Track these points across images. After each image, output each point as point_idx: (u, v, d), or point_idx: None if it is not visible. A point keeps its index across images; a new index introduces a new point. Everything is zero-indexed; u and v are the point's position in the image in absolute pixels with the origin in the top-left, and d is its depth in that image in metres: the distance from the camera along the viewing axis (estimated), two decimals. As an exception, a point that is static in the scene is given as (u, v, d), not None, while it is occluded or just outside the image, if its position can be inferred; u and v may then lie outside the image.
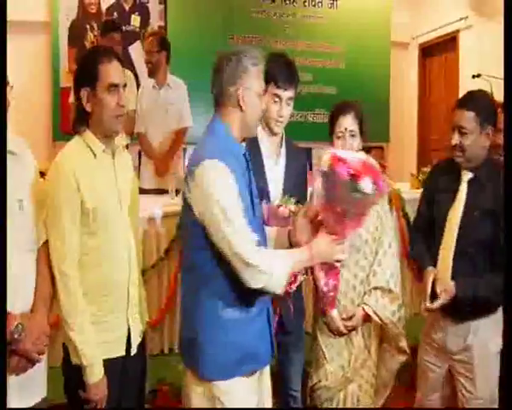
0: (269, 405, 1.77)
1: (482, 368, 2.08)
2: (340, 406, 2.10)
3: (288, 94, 2.02)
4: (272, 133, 2.10)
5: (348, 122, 2.08)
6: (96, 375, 1.60)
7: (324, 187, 1.63)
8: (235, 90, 1.59)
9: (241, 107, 1.60)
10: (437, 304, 2.02)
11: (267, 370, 1.76)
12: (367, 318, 2.06)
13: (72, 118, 1.76)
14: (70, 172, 1.59)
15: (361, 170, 1.56)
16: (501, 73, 4.15)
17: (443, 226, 2.09)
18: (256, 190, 1.72)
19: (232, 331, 1.60)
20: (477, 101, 2.06)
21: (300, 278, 1.93)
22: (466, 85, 5.17)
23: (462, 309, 2.07)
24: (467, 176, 2.08)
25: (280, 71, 2.01)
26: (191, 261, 1.63)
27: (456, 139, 2.04)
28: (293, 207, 1.95)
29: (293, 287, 1.90)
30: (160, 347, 2.95)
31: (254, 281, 1.52)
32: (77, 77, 1.69)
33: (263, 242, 1.66)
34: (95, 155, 1.67)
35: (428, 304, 2.04)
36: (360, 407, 2.11)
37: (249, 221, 1.55)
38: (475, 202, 2.03)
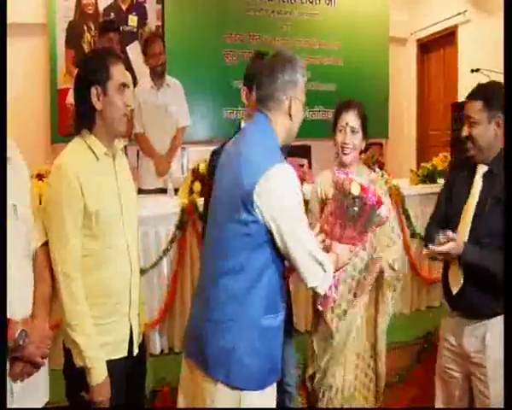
0: None
1: (497, 370, 2.02)
2: (339, 395, 2.17)
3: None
4: None
5: (350, 118, 2.16)
6: (99, 376, 1.60)
7: (350, 209, 1.85)
8: (286, 98, 1.63)
9: (290, 115, 1.64)
10: (440, 248, 1.97)
11: None
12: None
13: (74, 118, 1.76)
14: (73, 174, 1.59)
15: (380, 199, 1.88)
16: (500, 67, 4.14)
17: (458, 220, 2.09)
18: None
19: (269, 340, 1.62)
20: (484, 90, 2.06)
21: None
22: (465, 80, 5.17)
23: (475, 308, 2.04)
24: (482, 169, 2.07)
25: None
26: (238, 263, 1.57)
27: (465, 131, 2.05)
28: None
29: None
30: (160, 347, 2.95)
31: (315, 279, 1.62)
32: (85, 76, 1.69)
33: None
34: (97, 158, 1.67)
35: (432, 246, 1.99)
36: (356, 395, 2.18)
37: None
38: (490, 194, 2.03)
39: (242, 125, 2.14)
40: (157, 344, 2.92)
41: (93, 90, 1.65)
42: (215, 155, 2.08)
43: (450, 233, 1.99)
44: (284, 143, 1.70)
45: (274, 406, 1.69)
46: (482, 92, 2.04)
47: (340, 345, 2.18)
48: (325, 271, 1.62)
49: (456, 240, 1.97)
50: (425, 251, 2.05)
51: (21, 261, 1.53)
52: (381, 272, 2.16)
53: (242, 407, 1.58)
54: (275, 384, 1.68)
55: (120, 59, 1.72)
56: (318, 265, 1.61)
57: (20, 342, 1.42)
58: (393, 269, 2.16)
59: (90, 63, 1.72)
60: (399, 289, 2.22)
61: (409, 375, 2.94)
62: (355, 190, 1.85)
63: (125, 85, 1.69)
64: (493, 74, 3.89)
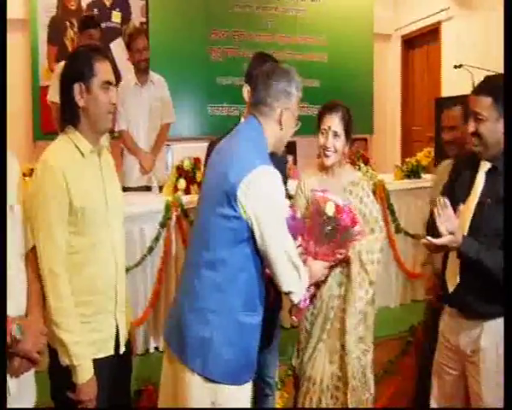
0: None
1: (490, 372, 2.02)
2: (317, 386, 2.21)
3: None
4: None
5: (333, 122, 2.16)
6: (85, 375, 1.59)
7: (324, 228, 1.97)
8: (277, 106, 1.68)
9: (281, 124, 1.69)
10: (439, 241, 1.93)
11: None
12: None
13: (56, 116, 1.74)
14: (59, 171, 1.58)
15: (355, 219, 1.99)
16: (482, 62, 4.19)
17: (458, 217, 2.01)
18: None
19: (246, 336, 1.65)
20: (494, 85, 1.98)
21: None
22: (448, 76, 5.22)
23: (472, 307, 2.01)
24: (485, 166, 2.02)
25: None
26: (219, 256, 1.60)
27: (472, 126, 1.97)
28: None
29: None
30: (145, 346, 2.93)
31: (290, 284, 1.65)
32: (68, 72, 1.69)
33: None
34: (83, 155, 1.66)
35: (430, 238, 1.94)
36: (341, 386, 2.20)
37: None
38: (492, 192, 1.98)
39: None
40: (142, 343, 2.91)
41: (76, 87, 1.64)
42: (212, 146, 2.10)
43: (450, 227, 1.93)
44: (273, 150, 1.74)
45: (248, 404, 1.71)
46: (492, 88, 1.96)
47: (316, 338, 2.22)
48: (300, 277, 1.66)
49: (456, 233, 1.93)
50: (423, 241, 2.02)
51: (15, 259, 1.52)
52: (348, 261, 2.17)
53: (218, 400, 1.59)
54: (250, 384, 1.70)
55: (106, 57, 1.71)
56: (295, 270, 1.64)
57: (17, 336, 1.43)
58: (361, 260, 2.17)
59: (74, 60, 1.71)
60: (368, 286, 2.20)
61: (394, 368, 2.96)
62: (329, 211, 1.96)
63: (109, 83, 1.68)
64: (476, 71, 3.93)
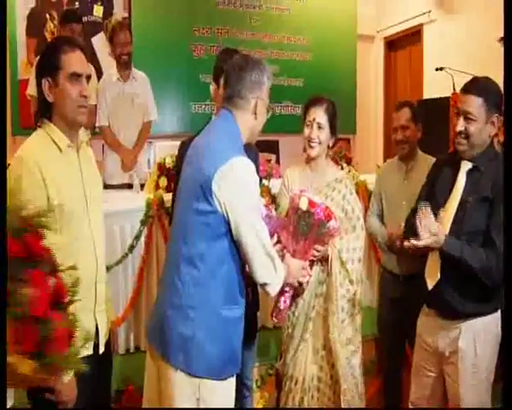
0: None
1: (469, 373, 2.04)
2: (299, 386, 2.21)
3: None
4: None
5: (318, 113, 2.21)
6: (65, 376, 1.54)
7: (299, 223, 2.00)
8: (252, 97, 1.69)
9: (255, 114, 1.71)
10: (421, 243, 1.94)
11: None
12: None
13: (34, 110, 1.70)
14: (35, 166, 1.54)
15: (330, 213, 2.02)
16: (463, 65, 4.23)
17: (439, 217, 2.02)
18: None
19: (228, 330, 1.65)
20: (484, 87, 1.99)
21: None
22: (430, 78, 5.27)
23: (451, 306, 2.03)
24: (467, 166, 2.03)
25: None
26: (198, 252, 1.60)
27: (461, 125, 1.98)
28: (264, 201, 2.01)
29: None
30: (126, 346, 2.89)
31: (265, 275, 1.65)
32: (38, 66, 1.65)
33: None
34: (60, 150, 1.62)
35: (413, 241, 1.96)
36: (321, 387, 2.21)
37: None
38: (473, 191, 1.99)
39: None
40: (123, 343, 2.87)
41: (44, 82, 1.60)
42: (183, 145, 2.10)
43: (432, 228, 1.95)
44: (248, 141, 1.75)
45: (232, 398, 1.70)
46: (482, 88, 1.98)
47: (297, 338, 2.22)
48: (276, 269, 1.66)
49: (438, 234, 1.94)
50: (406, 244, 2.02)
51: None
52: (326, 259, 2.18)
53: (202, 396, 1.59)
54: (234, 378, 1.70)
55: (77, 46, 1.64)
56: (270, 261, 1.65)
57: None
58: (341, 259, 2.18)
59: (44, 53, 1.67)
60: (348, 284, 2.20)
61: (375, 368, 2.97)
62: (303, 205, 1.99)
63: (78, 75, 1.61)
64: (457, 74, 3.97)
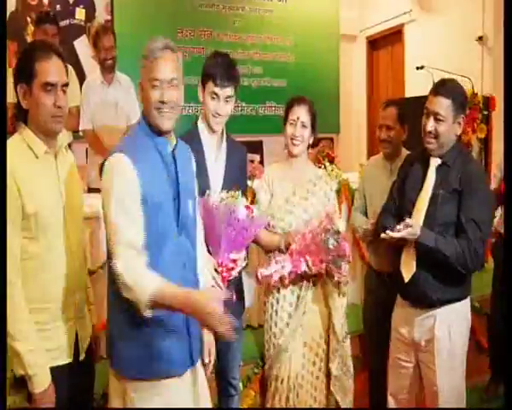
0: (205, 400, 1.76)
1: (444, 359, 2.12)
2: (285, 384, 2.25)
3: (226, 92, 2.06)
4: (212, 130, 2.12)
5: (302, 113, 2.27)
6: (42, 384, 1.54)
7: (324, 235, 2.10)
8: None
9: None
10: (398, 234, 2.02)
11: (199, 370, 1.74)
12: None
13: (10, 115, 1.68)
14: (10, 175, 1.50)
15: (349, 258, 2.19)
16: (442, 64, 4.30)
17: (411, 210, 2.15)
18: (194, 186, 1.76)
19: (144, 330, 1.55)
20: (452, 89, 2.10)
21: (241, 264, 2.01)
22: (411, 77, 5.34)
23: (427, 295, 2.11)
24: (436, 162, 2.14)
25: (218, 69, 2.05)
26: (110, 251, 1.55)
27: (431, 126, 2.08)
28: (246, 202, 2.01)
29: (234, 273, 2.00)
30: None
31: (121, 286, 1.47)
32: (14, 72, 1.61)
33: (192, 238, 1.69)
34: (36, 157, 1.59)
35: (389, 232, 2.04)
36: (304, 384, 2.26)
37: (167, 216, 1.58)
38: (443, 185, 2.10)
39: (199, 122, 2.15)
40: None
41: (19, 89, 1.58)
42: None
43: (407, 221, 2.05)
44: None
45: (183, 398, 1.64)
46: (451, 91, 2.09)
47: (289, 338, 2.25)
48: (126, 283, 1.45)
49: (413, 225, 2.03)
50: (383, 236, 2.09)
51: None
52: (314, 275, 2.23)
53: (130, 396, 1.56)
54: (173, 382, 1.61)
55: (52, 52, 1.60)
56: (116, 271, 1.47)
57: None
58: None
59: (19, 59, 1.62)
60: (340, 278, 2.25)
61: (359, 364, 3.01)
62: (340, 227, 2.12)
63: (53, 85, 1.57)
64: (436, 72, 4.04)
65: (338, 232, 2.09)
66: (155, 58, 1.61)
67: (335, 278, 2.18)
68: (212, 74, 2.04)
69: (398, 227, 2.03)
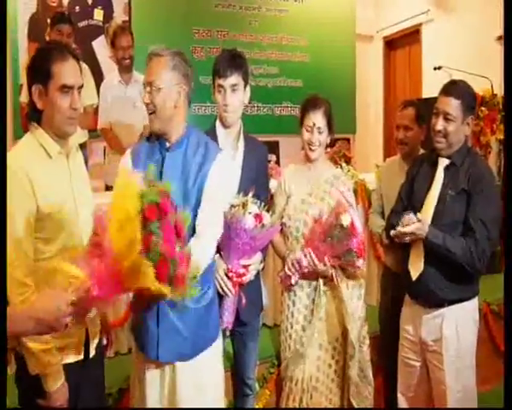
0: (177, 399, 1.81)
1: (453, 358, 2.13)
2: (299, 386, 2.25)
3: (230, 81, 2.05)
4: (224, 125, 2.11)
5: (317, 119, 2.23)
6: (56, 382, 1.55)
7: (331, 229, 2.11)
8: None
9: None
10: (405, 229, 2.05)
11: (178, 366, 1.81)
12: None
13: (25, 115, 1.68)
14: (24, 176, 1.50)
15: (364, 252, 2.17)
16: (460, 64, 4.25)
17: (420, 210, 2.15)
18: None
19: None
20: (462, 90, 2.13)
21: (256, 268, 1.99)
22: (429, 77, 5.29)
23: (435, 294, 2.12)
24: (444, 162, 2.16)
25: (220, 62, 2.08)
26: None
27: (440, 125, 2.11)
28: (257, 210, 1.97)
29: (246, 278, 1.98)
30: (128, 345, 2.92)
31: None
32: (29, 72, 1.60)
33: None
34: (50, 157, 1.59)
35: (399, 228, 2.07)
36: (319, 386, 2.26)
37: None
38: (451, 185, 2.12)
39: (217, 122, 2.15)
40: (124, 343, 2.90)
41: (34, 89, 1.57)
42: None
43: (417, 215, 2.07)
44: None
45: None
46: (461, 91, 2.11)
47: (306, 344, 2.26)
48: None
49: (422, 221, 2.05)
50: (392, 232, 2.11)
51: None
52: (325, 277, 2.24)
53: None
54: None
55: (68, 54, 1.59)
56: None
57: None
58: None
59: (34, 59, 1.61)
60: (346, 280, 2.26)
61: (374, 367, 2.99)
62: (344, 221, 2.08)
63: (70, 87, 1.57)
64: (455, 72, 4.00)
65: (342, 227, 2.07)
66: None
67: (350, 270, 2.18)
68: (216, 69, 2.08)
69: (405, 218, 2.05)
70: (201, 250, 1.69)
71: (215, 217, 1.78)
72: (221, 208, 1.84)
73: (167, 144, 1.78)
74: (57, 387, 1.56)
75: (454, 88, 2.13)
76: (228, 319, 1.98)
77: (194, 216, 1.72)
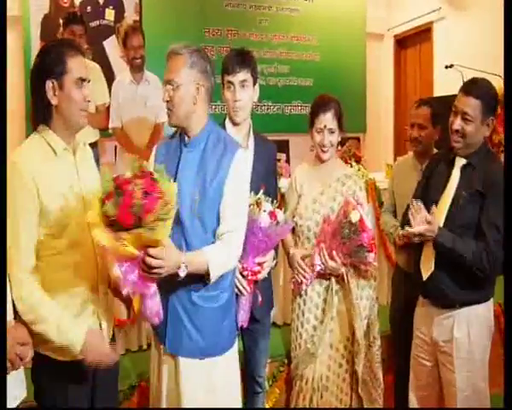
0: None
1: (464, 361, 2.10)
2: (309, 385, 2.26)
3: (239, 77, 2.06)
4: (234, 122, 2.11)
5: (328, 120, 2.21)
6: (78, 345, 1.54)
7: (341, 226, 2.12)
8: None
9: None
10: (416, 229, 2.02)
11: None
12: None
13: (31, 113, 1.67)
14: (29, 175, 1.52)
15: (374, 246, 2.17)
16: (473, 62, 4.22)
17: (432, 210, 2.11)
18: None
19: None
20: (483, 89, 2.05)
21: (269, 265, 2.00)
22: (440, 76, 5.26)
23: (446, 295, 2.09)
24: (460, 162, 2.11)
25: (228, 60, 2.09)
26: None
27: (458, 124, 2.05)
28: (271, 208, 1.98)
29: (261, 275, 1.99)
30: (139, 343, 2.94)
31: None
32: (39, 69, 1.62)
33: (189, 235, 1.71)
34: (55, 153, 1.62)
35: (408, 228, 2.05)
36: (329, 386, 2.26)
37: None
38: (467, 186, 2.07)
39: (226, 120, 2.16)
40: (135, 340, 2.92)
41: (48, 84, 1.59)
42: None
43: (427, 216, 2.04)
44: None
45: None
46: (481, 91, 2.04)
47: (317, 343, 2.26)
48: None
49: (432, 223, 2.02)
50: (401, 232, 2.10)
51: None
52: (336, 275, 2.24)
53: None
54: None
55: (80, 51, 1.65)
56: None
57: None
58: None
59: (45, 55, 1.62)
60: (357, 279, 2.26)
61: (385, 366, 2.98)
62: (353, 218, 2.07)
63: (83, 80, 1.63)
64: (466, 70, 3.97)
65: (351, 223, 2.06)
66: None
67: (362, 268, 2.17)
68: (225, 67, 2.09)
69: (416, 217, 2.03)
70: (227, 256, 1.71)
71: (240, 211, 1.76)
72: (245, 203, 1.82)
73: (186, 139, 1.79)
74: (81, 347, 1.55)
75: (474, 87, 2.05)
76: (243, 317, 1.98)
77: (214, 210, 1.72)
